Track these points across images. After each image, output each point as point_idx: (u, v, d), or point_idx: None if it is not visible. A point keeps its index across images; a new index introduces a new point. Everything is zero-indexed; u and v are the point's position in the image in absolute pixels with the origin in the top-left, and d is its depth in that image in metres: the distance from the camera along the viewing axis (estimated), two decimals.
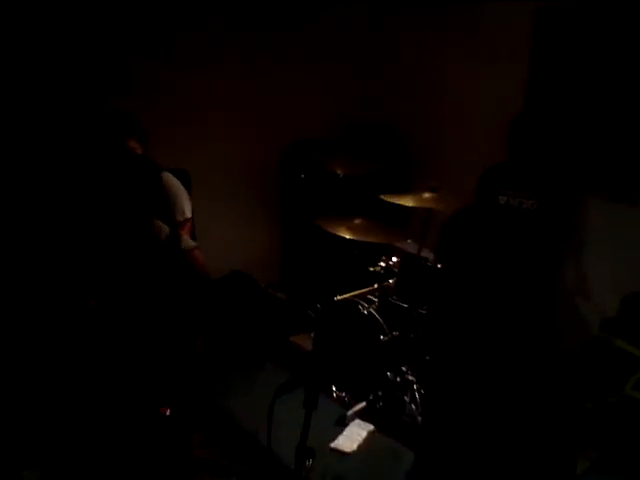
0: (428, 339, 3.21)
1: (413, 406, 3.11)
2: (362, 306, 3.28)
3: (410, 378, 3.15)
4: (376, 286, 3.43)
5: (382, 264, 3.43)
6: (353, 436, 3.06)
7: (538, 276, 3.07)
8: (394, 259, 3.41)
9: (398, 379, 3.17)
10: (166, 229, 2.45)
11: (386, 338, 3.18)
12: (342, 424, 3.10)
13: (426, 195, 3.18)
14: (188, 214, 3.30)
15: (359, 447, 2.99)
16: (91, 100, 3.70)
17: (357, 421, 3.15)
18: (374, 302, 3.34)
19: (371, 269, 3.44)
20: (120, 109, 3.21)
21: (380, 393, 3.17)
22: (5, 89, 3.43)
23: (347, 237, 3.32)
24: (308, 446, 1.71)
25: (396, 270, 3.36)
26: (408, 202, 3.16)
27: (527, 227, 3.05)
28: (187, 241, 2.63)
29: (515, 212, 3.09)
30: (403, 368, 3.18)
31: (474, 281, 3.14)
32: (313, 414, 1.74)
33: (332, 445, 2.96)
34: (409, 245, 3.64)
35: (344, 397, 3.32)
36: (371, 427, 3.11)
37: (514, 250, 3.05)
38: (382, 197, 3.25)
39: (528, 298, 3.04)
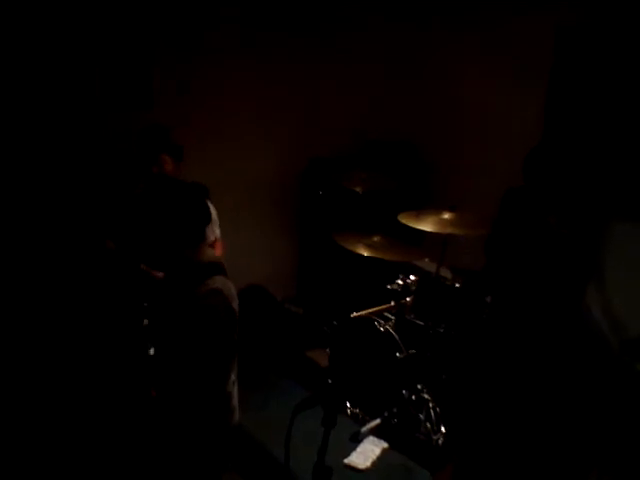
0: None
1: (428, 424, 3.11)
2: (379, 323, 3.30)
3: (425, 396, 3.16)
4: (393, 303, 3.44)
5: (400, 282, 3.44)
6: (367, 453, 3.07)
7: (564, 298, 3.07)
8: (412, 277, 3.42)
9: (413, 397, 3.17)
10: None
11: (402, 355, 3.19)
12: (356, 440, 3.08)
13: (445, 215, 3.20)
14: (218, 233, 3.34)
15: (373, 464, 3.00)
16: (114, 115, 3.78)
17: (371, 438, 3.15)
18: (391, 319, 3.36)
19: (388, 287, 3.45)
20: (155, 123, 3.24)
21: (395, 410, 3.18)
22: (30, 104, 3.51)
23: (365, 254, 3.35)
24: (326, 465, 1.72)
25: (414, 288, 3.38)
26: (427, 226, 3.17)
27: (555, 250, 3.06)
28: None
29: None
30: (419, 386, 3.19)
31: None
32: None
33: (346, 461, 2.97)
34: (426, 264, 3.66)
35: (358, 413, 3.33)
36: (385, 444, 3.11)
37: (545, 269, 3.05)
38: (400, 219, 3.26)
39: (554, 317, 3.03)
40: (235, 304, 2.15)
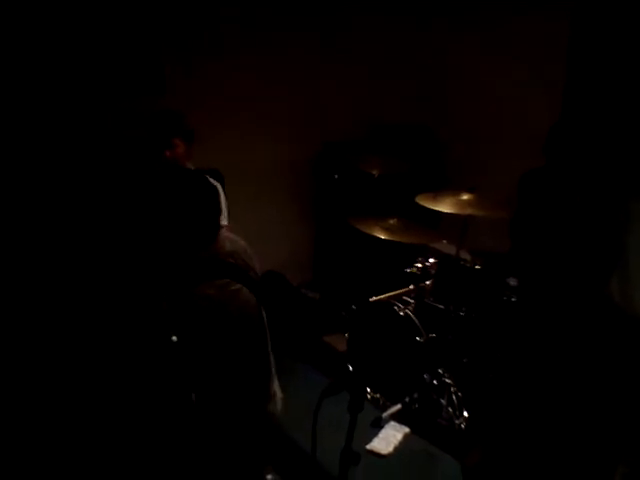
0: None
1: (450, 409, 3.08)
2: (398, 307, 3.26)
3: (447, 381, 3.12)
4: (412, 287, 3.40)
5: (418, 265, 3.40)
6: (389, 438, 3.03)
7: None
8: (431, 260, 3.38)
9: (435, 381, 3.14)
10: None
11: (422, 340, 3.15)
12: (377, 426, 3.07)
13: (464, 196, 3.14)
14: (225, 222, 3.31)
15: (395, 449, 2.97)
16: (128, 100, 3.74)
17: (392, 423, 3.12)
18: (410, 303, 3.32)
19: (407, 270, 3.41)
20: (167, 109, 3.21)
21: (416, 395, 3.15)
22: (39, 91, 3.48)
23: (382, 237, 3.30)
24: (353, 450, 1.69)
25: (433, 272, 3.33)
26: (446, 207, 3.12)
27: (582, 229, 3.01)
28: None
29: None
30: (440, 370, 3.15)
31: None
32: (348, 416, 1.71)
33: (368, 447, 2.94)
34: (444, 246, 3.60)
35: (379, 399, 3.30)
36: (407, 429, 3.08)
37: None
38: (418, 201, 3.21)
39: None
40: (239, 308, 2.05)
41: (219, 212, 2.13)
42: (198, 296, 1.96)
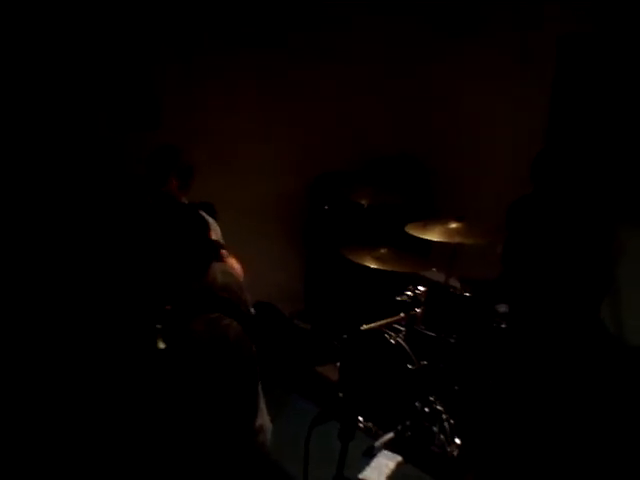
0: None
1: (442, 436, 3.08)
2: (389, 335, 3.28)
3: (439, 408, 3.13)
4: (403, 315, 3.43)
5: (409, 293, 3.43)
6: (381, 467, 3.04)
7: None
8: (421, 288, 3.41)
9: (426, 409, 3.15)
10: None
11: (414, 367, 3.17)
12: (370, 455, 3.07)
13: (452, 225, 3.19)
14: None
15: (387, 478, 2.97)
16: (122, 134, 3.80)
17: (385, 452, 3.12)
18: (401, 331, 3.34)
19: (398, 298, 3.44)
20: (166, 143, 3.26)
21: (408, 423, 3.15)
22: (33, 120, 3.53)
23: (372, 266, 3.34)
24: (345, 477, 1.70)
25: (423, 299, 3.36)
26: (435, 236, 3.17)
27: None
28: None
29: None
30: (431, 398, 3.16)
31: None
32: (338, 444, 1.72)
33: (360, 476, 2.94)
34: (434, 274, 3.64)
35: (371, 427, 3.30)
36: (399, 458, 3.08)
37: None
38: (408, 230, 3.26)
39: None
40: (230, 342, 2.03)
41: (208, 245, 2.15)
42: (189, 331, 1.97)
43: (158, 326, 2.24)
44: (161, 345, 2.28)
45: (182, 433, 2.01)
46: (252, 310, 2.49)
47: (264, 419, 2.26)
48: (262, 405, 2.25)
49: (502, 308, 3.24)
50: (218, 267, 2.21)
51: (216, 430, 2.00)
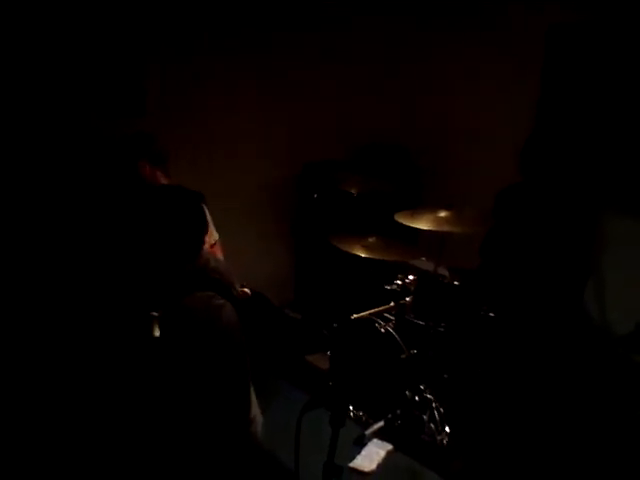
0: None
1: (432, 425, 3.09)
2: (379, 324, 3.28)
3: (429, 396, 3.14)
4: (392, 304, 3.43)
5: (398, 282, 3.43)
6: (372, 456, 3.04)
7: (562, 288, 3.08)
8: (410, 277, 3.41)
9: (417, 398, 3.15)
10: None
11: (404, 356, 3.17)
12: (360, 443, 3.07)
13: (441, 213, 3.19)
14: (216, 236, 3.32)
15: (378, 466, 2.97)
16: (107, 122, 3.76)
17: (375, 440, 3.13)
18: (391, 320, 3.34)
19: (387, 287, 3.44)
20: (138, 131, 3.22)
21: (398, 412, 3.16)
22: (18, 108, 3.49)
23: (362, 255, 3.34)
24: (336, 464, 1.70)
25: (413, 288, 3.36)
26: (423, 224, 3.16)
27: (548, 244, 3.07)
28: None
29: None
30: (421, 386, 3.17)
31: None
32: (328, 432, 1.72)
33: (351, 465, 2.94)
34: (423, 263, 3.65)
35: (362, 416, 3.31)
36: (389, 446, 3.08)
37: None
38: (397, 218, 3.25)
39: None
40: (220, 323, 2.03)
41: (203, 224, 2.12)
42: (184, 308, 1.95)
43: (154, 314, 2.23)
44: (156, 332, 2.27)
45: (177, 420, 2.00)
46: (248, 291, 2.47)
47: (255, 410, 2.25)
48: (253, 396, 2.24)
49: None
50: (209, 251, 2.20)
51: (212, 417, 1.99)
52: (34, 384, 2.88)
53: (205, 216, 2.14)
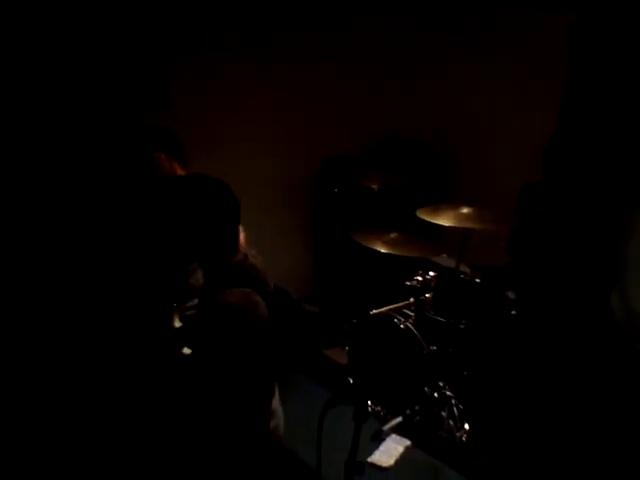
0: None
1: (451, 422, 3.09)
2: (399, 320, 3.28)
3: (448, 393, 3.13)
4: (412, 300, 3.42)
5: (419, 278, 3.42)
6: (390, 451, 3.04)
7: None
8: (431, 273, 3.40)
9: (435, 394, 3.15)
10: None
11: (425, 352, 3.17)
12: (378, 439, 3.08)
13: (464, 210, 3.17)
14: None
15: (396, 462, 2.98)
16: (128, 114, 3.77)
17: (393, 436, 3.13)
18: (411, 316, 3.34)
19: (407, 283, 3.43)
20: (155, 123, 3.22)
21: (417, 408, 3.15)
22: (39, 99, 3.51)
23: (382, 251, 3.33)
24: (357, 460, 1.70)
25: (433, 284, 3.35)
26: (445, 220, 3.14)
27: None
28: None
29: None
30: (440, 383, 3.16)
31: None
32: (348, 428, 1.72)
33: (369, 460, 2.95)
34: (444, 259, 3.63)
35: (380, 411, 3.31)
36: (408, 442, 3.09)
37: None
38: (418, 214, 3.24)
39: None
40: (258, 320, 1.98)
41: (237, 218, 2.07)
42: (220, 302, 1.92)
43: (175, 305, 2.23)
44: (177, 324, 2.27)
45: (200, 414, 2.00)
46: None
47: (276, 404, 2.25)
48: (276, 389, 2.24)
49: (512, 294, 3.23)
50: (245, 249, 2.17)
51: (235, 413, 1.99)
52: (54, 379, 2.92)
53: (238, 205, 2.06)
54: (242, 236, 2.96)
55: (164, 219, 1.99)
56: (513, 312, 3.18)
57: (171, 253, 2.12)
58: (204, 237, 1.98)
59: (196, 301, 2.84)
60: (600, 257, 3.01)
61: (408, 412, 3.16)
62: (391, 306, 3.43)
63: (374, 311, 3.39)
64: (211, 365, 1.93)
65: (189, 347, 2.22)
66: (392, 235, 3.45)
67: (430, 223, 3.20)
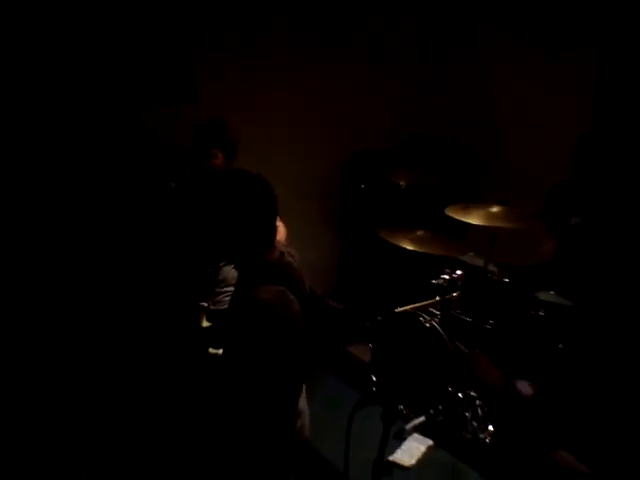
0: None
1: (475, 423, 3.05)
2: (424, 318, 3.24)
3: (472, 394, 3.09)
4: (438, 299, 3.38)
5: (445, 277, 3.38)
6: (412, 450, 3.03)
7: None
8: (458, 272, 3.35)
9: (460, 394, 3.11)
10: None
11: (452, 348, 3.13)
12: (400, 438, 3.04)
13: (494, 209, 3.12)
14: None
15: (418, 462, 2.96)
16: (158, 108, 3.78)
17: (415, 435, 3.12)
18: (436, 315, 3.30)
19: (434, 281, 3.38)
20: (211, 117, 3.24)
21: (440, 407, 3.11)
22: (65, 94, 3.53)
23: (408, 248, 3.30)
24: (386, 461, 1.68)
25: (460, 283, 3.31)
26: (475, 219, 3.07)
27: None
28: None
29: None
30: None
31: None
32: (374, 428, 1.70)
33: (391, 458, 2.94)
34: (471, 258, 3.58)
35: (402, 410, 3.28)
36: (430, 442, 3.07)
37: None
38: (448, 212, 3.19)
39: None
40: (292, 319, 1.98)
41: (275, 214, 2.06)
42: (256, 299, 1.91)
43: (203, 304, 2.23)
44: (205, 323, 2.27)
45: (227, 408, 1.99)
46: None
47: (303, 403, 2.24)
48: (303, 389, 2.23)
49: (543, 295, 3.17)
50: (282, 247, 2.16)
51: (262, 410, 1.98)
52: (80, 373, 2.94)
53: (275, 198, 2.06)
54: (282, 233, 2.96)
55: (203, 213, 2.00)
56: (541, 313, 3.12)
57: (207, 248, 2.12)
58: (242, 230, 1.97)
59: (225, 296, 2.85)
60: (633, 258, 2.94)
61: (431, 412, 3.12)
62: (416, 304, 3.39)
63: (399, 309, 3.36)
64: (241, 360, 1.92)
65: (215, 347, 2.22)
66: (419, 232, 3.41)
67: (457, 221, 3.15)
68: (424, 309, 3.36)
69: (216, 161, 3.14)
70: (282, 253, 2.10)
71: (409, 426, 3.09)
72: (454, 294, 3.32)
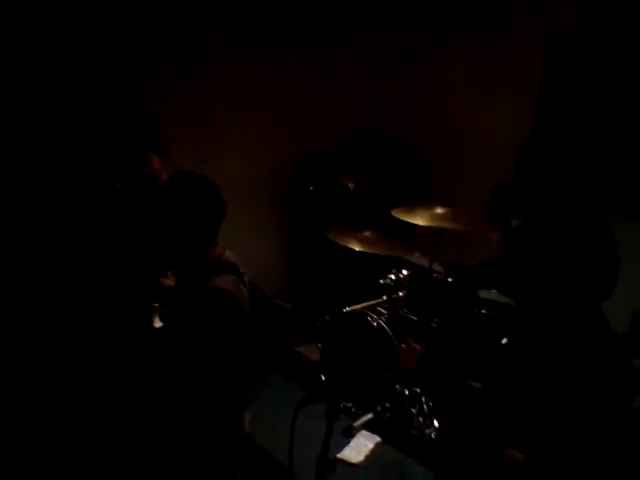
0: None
1: (421, 419, 3.12)
2: (371, 317, 3.30)
3: (418, 390, 3.16)
4: (385, 298, 3.44)
5: (392, 277, 3.44)
6: (360, 447, 3.06)
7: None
8: (404, 272, 3.42)
9: (406, 391, 3.18)
10: None
11: (404, 346, 3.18)
12: (348, 435, 3.08)
13: (438, 210, 3.21)
14: None
15: (366, 458, 2.99)
16: (105, 106, 3.72)
17: (363, 432, 3.15)
18: (383, 314, 3.36)
19: (381, 281, 3.45)
20: (143, 115, 3.20)
21: (388, 405, 3.18)
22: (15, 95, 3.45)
23: (356, 249, 3.36)
24: (329, 457, 1.71)
25: (406, 283, 3.38)
26: (420, 220, 3.17)
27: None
28: None
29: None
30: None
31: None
32: (317, 424, 1.74)
33: (339, 455, 2.96)
34: (417, 258, 3.66)
35: (350, 407, 3.33)
36: (378, 439, 3.11)
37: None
38: (394, 213, 3.26)
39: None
40: (245, 308, 2.08)
41: (221, 211, 2.14)
42: (210, 287, 1.98)
43: (155, 305, 2.23)
44: (157, 324, 2.27)
45: (175, 410, 2.01)
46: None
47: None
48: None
49: (484, 294, 3.26)
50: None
51: (209, 408, 2.00)
52: (37, 381, 2.87)
53: (223, 201, 2.15)
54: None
55: (152, 210, 2.08)
56: (483, 311, 3.22)
57: (154, 245, 2.15)
58: (188, 225, 2.06)
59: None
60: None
61: (379, 409, 3.18)
62: (364, 304, 3.44)
63: (347, 308, 3.40)
64: (192, 350, 1.96)
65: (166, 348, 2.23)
66: (366, 233, 3.47)
67: (404, 222, 3.23)
68: (372, 308, 3.42)
69: (155, 165, 3.07)
70: (223, 249, 2.18)
71: (357, 423, 3.15)
72: (400, 293, 3.39)
